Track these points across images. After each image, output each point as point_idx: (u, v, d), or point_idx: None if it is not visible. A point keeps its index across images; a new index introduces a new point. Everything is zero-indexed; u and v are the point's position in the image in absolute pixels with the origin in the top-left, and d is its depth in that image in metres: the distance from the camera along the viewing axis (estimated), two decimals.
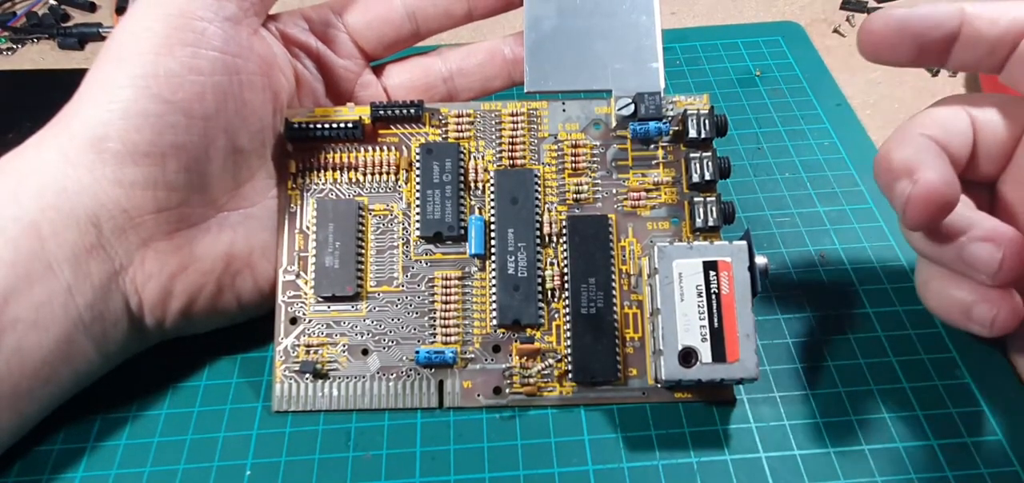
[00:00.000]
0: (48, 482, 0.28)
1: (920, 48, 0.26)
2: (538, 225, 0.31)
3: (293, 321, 0.30)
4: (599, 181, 0.31)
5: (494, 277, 0.30)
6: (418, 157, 0.31)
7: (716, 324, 0.28)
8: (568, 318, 0.30)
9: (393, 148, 0.32)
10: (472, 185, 0.31)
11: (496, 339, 0.30)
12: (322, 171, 0.31)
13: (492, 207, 0.31)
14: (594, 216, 0.31)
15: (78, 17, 0.53)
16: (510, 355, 0.30)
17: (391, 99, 0.35)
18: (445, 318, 0.30)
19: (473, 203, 0.31)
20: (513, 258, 0.30)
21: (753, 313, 0.27)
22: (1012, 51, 0.26)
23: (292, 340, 0.30)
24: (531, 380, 0.29)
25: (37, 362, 0.26)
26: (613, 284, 0.30)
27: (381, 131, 0.32)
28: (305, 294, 0.30)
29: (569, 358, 0.29)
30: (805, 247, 0.35)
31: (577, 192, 0.31)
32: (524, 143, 0.32)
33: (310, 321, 0.30)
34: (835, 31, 0.49)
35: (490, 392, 0.30)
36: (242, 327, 0.31)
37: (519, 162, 0.32)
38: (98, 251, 0.27)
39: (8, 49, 0.50)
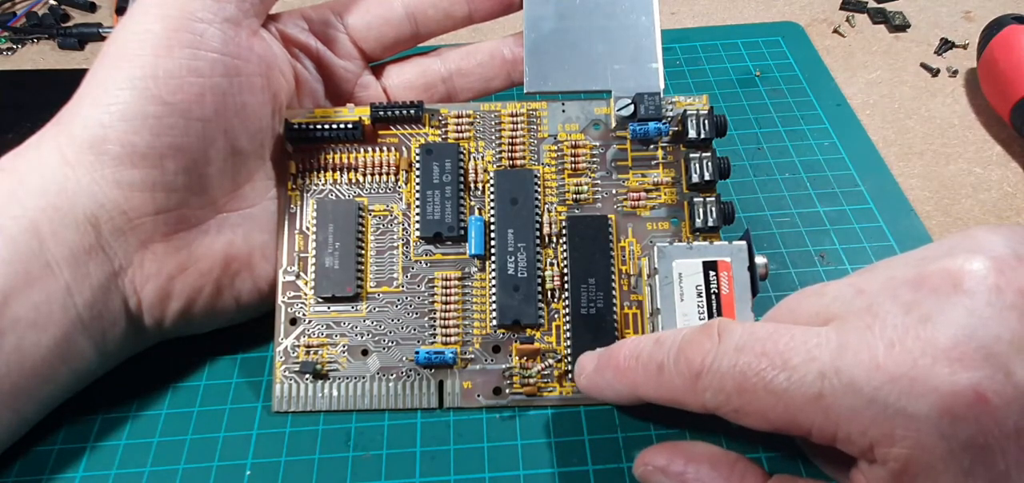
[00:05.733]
0: (48, 482, 0.28)
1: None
2: (538, 225, 0.31)
3: (293, 322, 0.30)
4: (599, 181, 0.31)
5: (494, 277, 0.30)
6: (418, 158, 0.31)
7: None
8: (568, 318, 0.30)
9: (393, 149, 0.32)
10: (472, 185, 0.31)
11: (496, 339, 0.30)
12: (322, 172, 0.31)
13: (492, 207, 0.31)
14: (594, 216, 0.31)
15: (78, 17, 0.52)
16: (510, 355, 0.30)
17: (391, 100, 0.35)
18: (445, 318, 0.30)
19: (473, 203, 0.31)
20: (513, 258, 0.30)
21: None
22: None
23: (292, 340, 0.30)
24: (531, 380, 0.29)
25: (36, 361, 0.26)
26: (613, 284, 0.30)
27: (381, 132, 0.32)
28: (305, 295, 0.30)
29: (569, 358, 0.29)
30: (805, 247, 0.35)
31: (577, 192, 0.31)
32: (524, 143, 0.32)
33: (310, 322, 0.30)
34: (835, 31, 0.49)
35: (490, 392, 0.30)
36: (242, 327, 0.31)
37: (519, 162, 0.32)
38: (97, 252, 0.27)
39: (8, 49, 0.50)
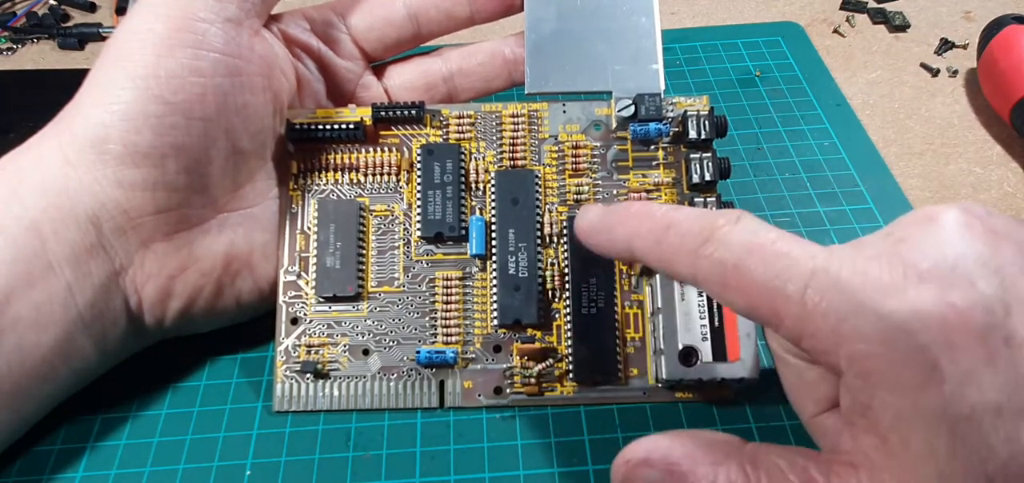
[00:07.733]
0: (48, 482, 0.28)
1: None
2: (539, 225, 0.31)
3: (294, 321, 0.30)
4: (600, 182, 0.31)
5: (495, 277, 0.30)
6: (419, 158, 0.31)
7: (717, 323, 0.28)
8: (569, 318, 0.30)
9: (394, 149, 0.32)
10: (473, 186, 0.31)
11: (497, 339, 0.30)
12: (323, 172, 0.31)
13: (493, 207, 0.31)
14: None
15: (78, 17, 0.52)
16: (511, 355, 0.30)
17: (392, 100, 0.35)
18: (446, 318, 0.30)
19: (474, 204, 0.31)
20: (514, 258, 0.30)
21: None
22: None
23: (293, 340, 0.30)
24: (532, 380, 0.29)
25: (37, 361, 0.26)
26: (614, 284, 0.30)
27: (382, 132, 0.32)
28: (306, 294, 0.30)
29: (570, 358, 0.29)
30: None
31: (578, 193, 0.31)
32: (525, 144, 0.32)
33: (311, 321, 0.30)
34: (835, 31, 0.49)
35: (491, 392, 0.30)
36: (242, 327, 0.31)
37: (520, 163, 0.32)
38: (98, 251, 0.27)
39: (8, 49, 0.50)
